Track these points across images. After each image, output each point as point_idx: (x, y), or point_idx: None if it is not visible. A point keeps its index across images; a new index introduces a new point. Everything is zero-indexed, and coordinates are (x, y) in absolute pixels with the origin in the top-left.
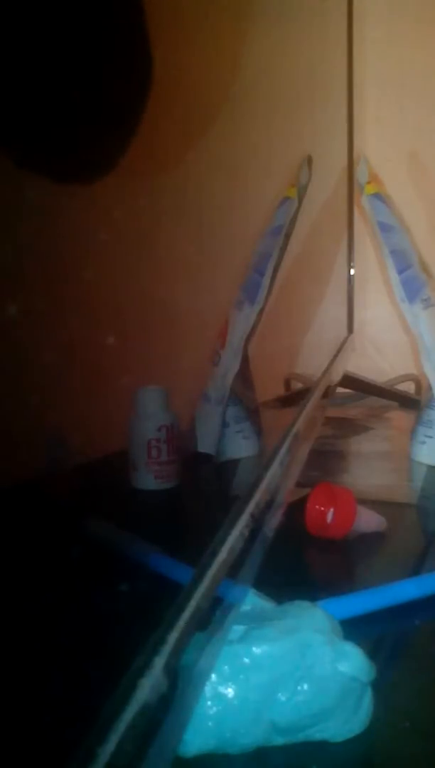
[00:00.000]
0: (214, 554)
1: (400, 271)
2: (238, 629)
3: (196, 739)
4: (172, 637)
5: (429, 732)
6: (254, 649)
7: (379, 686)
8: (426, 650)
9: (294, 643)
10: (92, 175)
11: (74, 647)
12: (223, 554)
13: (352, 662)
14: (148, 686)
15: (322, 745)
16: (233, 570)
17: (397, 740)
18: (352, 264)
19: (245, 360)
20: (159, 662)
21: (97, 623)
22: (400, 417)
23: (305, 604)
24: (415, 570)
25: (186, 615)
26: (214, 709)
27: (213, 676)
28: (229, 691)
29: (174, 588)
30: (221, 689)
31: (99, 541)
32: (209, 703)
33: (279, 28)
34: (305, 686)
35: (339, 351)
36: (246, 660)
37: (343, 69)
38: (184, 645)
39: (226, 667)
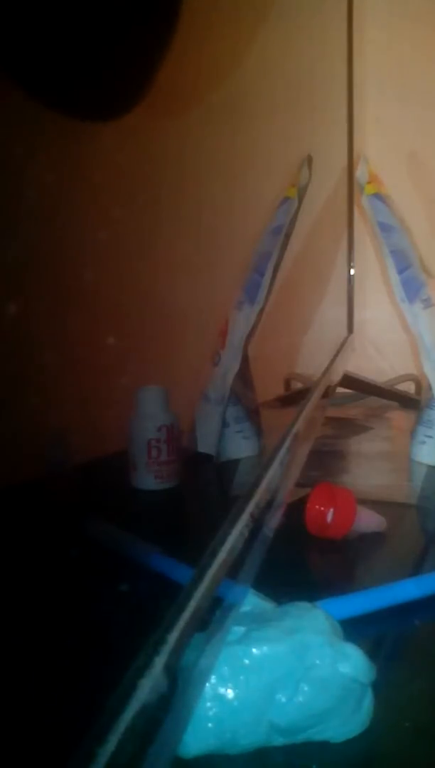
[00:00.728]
0: (214, 554)
1: (400, 271)
2: (237, 630)
3: (195, 741)
4: (172, 637)
5: (429, 732)
6: (254, 650)
7: (378, 686)
8: (426, 650)
9: (294, 645)
10: (113, 112)
11: (74, 647)
12: (223, 554)
13: (352, 663)
14: (148, 686)
15: (322, 745)
16: (233, 570)
17: (397, 740)
18: (352, 264)
19: (245, 360)
20: (159, 662)
21: (98, 623)
22: (400, 417)
23: (305, 606)
24: (415, 570)
25: (186, 615)
26: (214, 710)
27: (212, 678)
28: (229, 693)
29: (174, 588)
30: (221, 690)
31: (99, 541)
32: (209, 704)
33: (279, 28)
34: (305, 687)
35: (339, 351)
36: (246, 661)
37: (343, 69)
38: (184, 645)
39: (225, 668)
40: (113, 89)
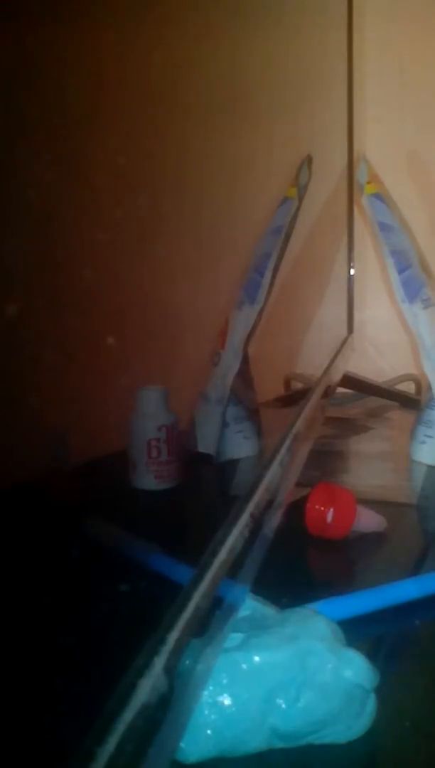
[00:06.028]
0: (214, 554)
1: (400, 271)
2: (236, 637)
3: (194, 747)
4: (172, 637)
5: (430, 731)
6: (254, 657)
7: (379, 686)
8: (426, 650)
9: (294, 651)
10: None
11: (74, 647)
12: (223, 554)
13: (355, 668)
14: (147, 686)
15: (323, 746)
16: (233, 570)
17: (398, 740)
18: (352, 264)
19: (245, 360)
20: (159, 662)
21: (98, 623)
22: (400, 417)
23: (306, 612)
24: (415, 570)
25: (186, 615)
26: (213, 716)
27: (211, 684)
28: (228, 699)
29: (174, 588)
30: (220, 697)
31: (99, 541)
32: (207, 711)
33: (279, 28)
34: (307, 693)
35: (339, 351)
36: (244, 666)
37: (343, 69)
38: (184, 645)
39: (224, 674)
40: None
